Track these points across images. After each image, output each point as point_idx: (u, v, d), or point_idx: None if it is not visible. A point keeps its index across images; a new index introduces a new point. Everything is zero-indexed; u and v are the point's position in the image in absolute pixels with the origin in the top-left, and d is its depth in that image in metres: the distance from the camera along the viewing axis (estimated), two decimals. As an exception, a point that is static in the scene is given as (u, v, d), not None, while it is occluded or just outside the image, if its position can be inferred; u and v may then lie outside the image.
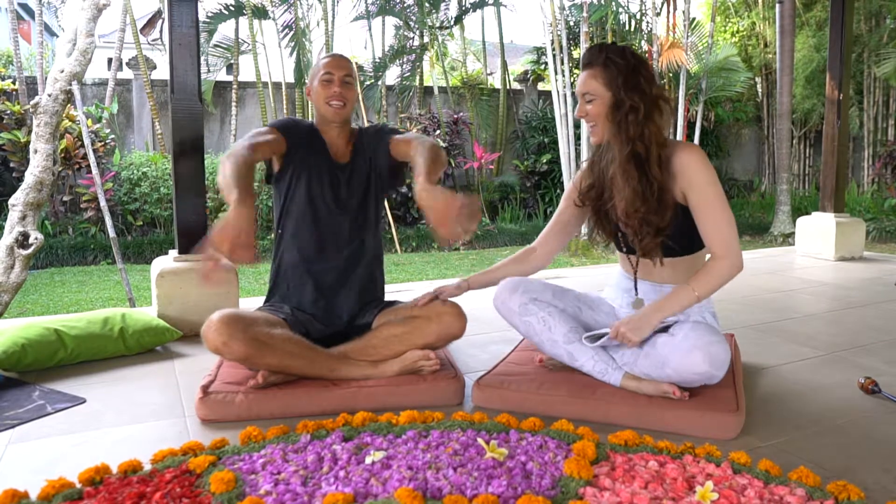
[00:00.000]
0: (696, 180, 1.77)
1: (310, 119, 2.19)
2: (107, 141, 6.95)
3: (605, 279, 2.17)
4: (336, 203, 2.07)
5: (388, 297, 2.22)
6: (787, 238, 7.90)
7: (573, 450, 1.51)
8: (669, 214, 1.78)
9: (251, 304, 2.84)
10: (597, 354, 1.87)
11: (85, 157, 6.48)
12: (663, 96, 1.81)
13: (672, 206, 1.79)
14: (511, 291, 1.97)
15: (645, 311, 1.80)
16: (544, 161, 8.85)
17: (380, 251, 2.20)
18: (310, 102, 2.10)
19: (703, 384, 1.78)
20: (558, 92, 7.54)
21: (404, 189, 7.83)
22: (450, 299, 2.04)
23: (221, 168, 1.73)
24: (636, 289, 1.97)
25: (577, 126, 7.75)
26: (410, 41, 8.99)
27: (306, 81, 2.14)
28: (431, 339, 1.97)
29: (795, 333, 2.73)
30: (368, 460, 1.47)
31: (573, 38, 8.41)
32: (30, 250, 3.57)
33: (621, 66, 1.76)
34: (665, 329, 1.83)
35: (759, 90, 10.71)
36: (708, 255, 1.85)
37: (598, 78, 1.78)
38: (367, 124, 7.88)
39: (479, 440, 1.57)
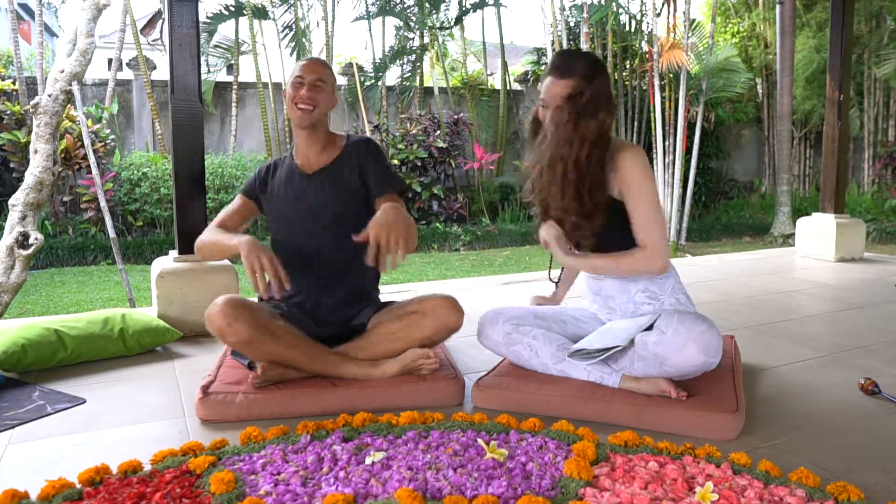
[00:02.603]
0: (631, 183, 1.83)
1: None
2: (107, 141, 6.95)
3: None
4: (309, 215, 2.06)
5: (388, 298, 2.22)
6: (788, 239, 7.90)
7: (573, 450, 1.51)
8: (599, 221, 1.84)
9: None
10: (589, 365, 1.88)
11: (85, 157, 6.48)
12: (611, 105, 1.87)
13: (602, 211, 1.84)
14: (492, 323, 2.00)
15: (567, 253, 1.93)
16: (544, 162, 8.84)
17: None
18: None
19: (703, 372, 1.79)
20: (558, 92, 7.53)
21: (404, 189, 7.82)
22: (447, 293, 2.04)
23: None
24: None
25: (577, 127, 7.73)
26: (411, 42, 8.99)
27: None
28: (428, 332, 1.96)
29: (795, 334, 2.73)
30: (368, 461, 1.47)
31: (573, 39, 8.41)
32: (30, 251, 3.57)
33: (583, 74, 1.82)
34: (650, 327, 1.84)
35: (760, 91, 10.70)
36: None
37: (567, 86, 1.83)
38: (366, 125, 7.88)
39: (479, 441, 1.57)
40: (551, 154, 1.84)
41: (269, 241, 2.17)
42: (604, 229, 1.87)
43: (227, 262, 2.83)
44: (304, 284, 2.06)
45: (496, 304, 2.14)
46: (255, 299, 2.06)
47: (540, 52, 9.77)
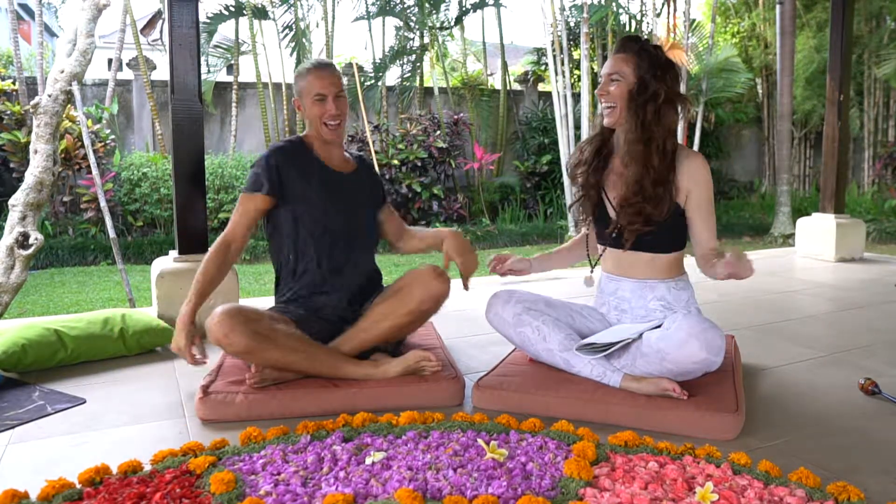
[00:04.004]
0: (702, 183, 1.91)
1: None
2: (107, 141, 6.95)
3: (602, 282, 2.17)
4: (345, 213, 2.06)
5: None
6: (788, 239, 7.90)
7: (573, 451, 1.51)
8: (666, 207, 1.88)
9: (251, 304, 2.83)
10: (594, 360, 1.88)
11: (85, 157, 6.48)
12: (682, 97, 1.93)
13: (670, 200, 1.89)
14: (504, 302, 1.99)
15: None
16: (544, 162, 8.85)
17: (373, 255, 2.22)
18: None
19: (704, 372, 1.80)
20: (558, 93, 7.54)
21: (404, 190, 7.84)
22: (439, 265, 2.06)
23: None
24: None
25: (577, 127, 7.74)
26: (411, 42, 8.99)
27: (295, 92, 2.11)
28: (415, 303, 1.97)
29: (796, 334, 2.73)
30: (368, 461, 1.47)
31: (573, 39, 8.41)
32: (30, 251, 3.57)
33: (653, 57, 1.89)
34: (657, 327, 1.85)
35: (760, 91, 10.69)
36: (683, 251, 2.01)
37: (629, 63, 1.89)
38: (366, 126, 7.87)
39: (480, 441, 1.57)
40: (634, 137, 1.89)
41: (277, 236, 2.09)
42: (660, 227, 1.91)
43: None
44: (319, 282, 2.06)
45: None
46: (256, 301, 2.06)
47: (540, 52, 9.77)
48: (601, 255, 2.09)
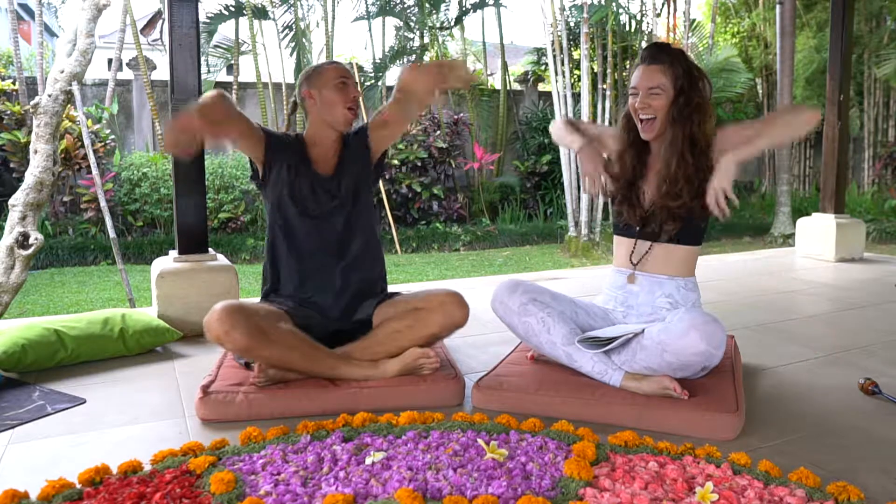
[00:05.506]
0: (727, 133, 1.91)
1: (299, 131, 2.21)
2: (107, 141, 6.95)
3: (604, 280, 2.18)
4: (321, 214, 2.06)
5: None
6: (788, 239, 7.90)
7: (573, 450, 1.51)
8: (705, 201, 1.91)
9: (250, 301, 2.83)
10: (596, 356, 1.88)
11: (85, 157, 6.48)
12: (710, 104, 1.94)
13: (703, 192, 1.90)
14: (511, 292, 1.98)
15: (722, 162, 1.80)
16: (544, 162, 8.85)
17: (378, 251, 2.18)
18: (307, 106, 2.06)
19: (704, 367, 1.81)
20: (559, 93, 7.54)
21: (404, 190, 7.83)
22: (451, 288, 2.05)
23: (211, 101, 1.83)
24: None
25: (577, 127, 7.72)
26: (411, 42, 8.99)
27: (303, 86, 2.14)
28: (435, 329, 1.97)
29: (796, 334, 2.73)
30: (368, 461, 1.47)
31: (573, 39, 8.41)
32: (30, 251, 3.58)
33: (686, 67, 1.89)
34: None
35: (760, 91, 10.69)
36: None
37: (667, 74, 1.88)
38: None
39: (479, 441, 1.57)
40: (686, 147, 1.88)
41: (269, 231, 2.11)
42: (688, 220, 1.93)
43: (226, 261, 2.83)
44: (312, 279, 2.07)
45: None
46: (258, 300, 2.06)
47: (540, 52, 9.76)
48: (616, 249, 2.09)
